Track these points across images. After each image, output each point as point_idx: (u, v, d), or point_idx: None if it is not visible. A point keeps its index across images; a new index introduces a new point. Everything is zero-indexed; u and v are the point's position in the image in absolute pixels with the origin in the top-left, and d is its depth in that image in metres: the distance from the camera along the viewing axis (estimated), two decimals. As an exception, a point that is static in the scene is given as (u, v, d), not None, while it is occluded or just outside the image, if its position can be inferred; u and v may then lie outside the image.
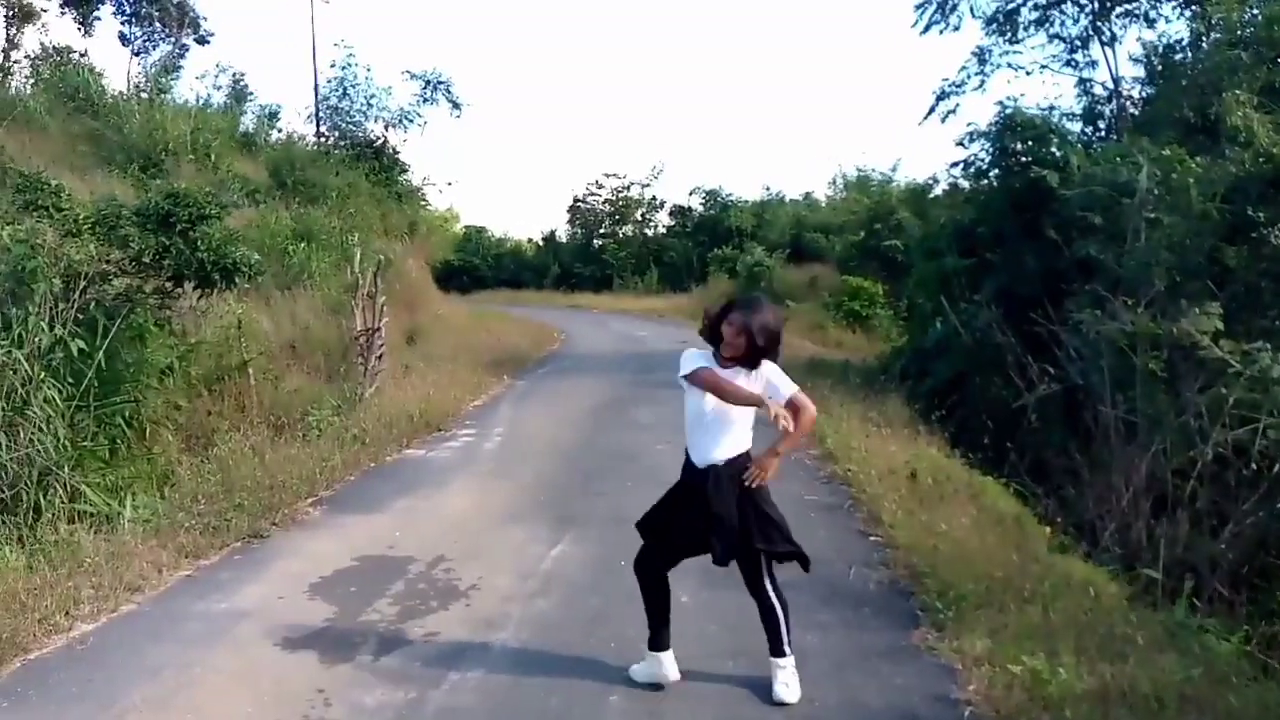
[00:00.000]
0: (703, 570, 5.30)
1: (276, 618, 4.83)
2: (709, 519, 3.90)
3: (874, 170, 33.80)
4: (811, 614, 4.73)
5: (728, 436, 3.93)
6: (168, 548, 5.77)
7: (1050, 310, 10.99)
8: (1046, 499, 8.84)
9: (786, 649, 3.94)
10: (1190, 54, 13.99)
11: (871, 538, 6.13)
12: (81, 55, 23.94)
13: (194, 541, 5.91)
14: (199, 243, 10.70)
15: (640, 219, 43.13)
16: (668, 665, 4.08)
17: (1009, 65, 16.05)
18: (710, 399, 3.92)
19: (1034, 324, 11.58)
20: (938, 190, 22.89)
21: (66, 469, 7.57)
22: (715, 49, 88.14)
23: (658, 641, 4.09)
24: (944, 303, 12.65)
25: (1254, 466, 8.54)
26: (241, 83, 27.92)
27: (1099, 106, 15.57)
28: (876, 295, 23.77)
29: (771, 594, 4.00)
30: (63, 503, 7.08)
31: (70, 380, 8.54)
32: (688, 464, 4.06)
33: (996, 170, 13.28)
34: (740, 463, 3.94)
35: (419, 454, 9.14)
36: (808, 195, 40.31)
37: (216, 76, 27.69)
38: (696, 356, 3.98)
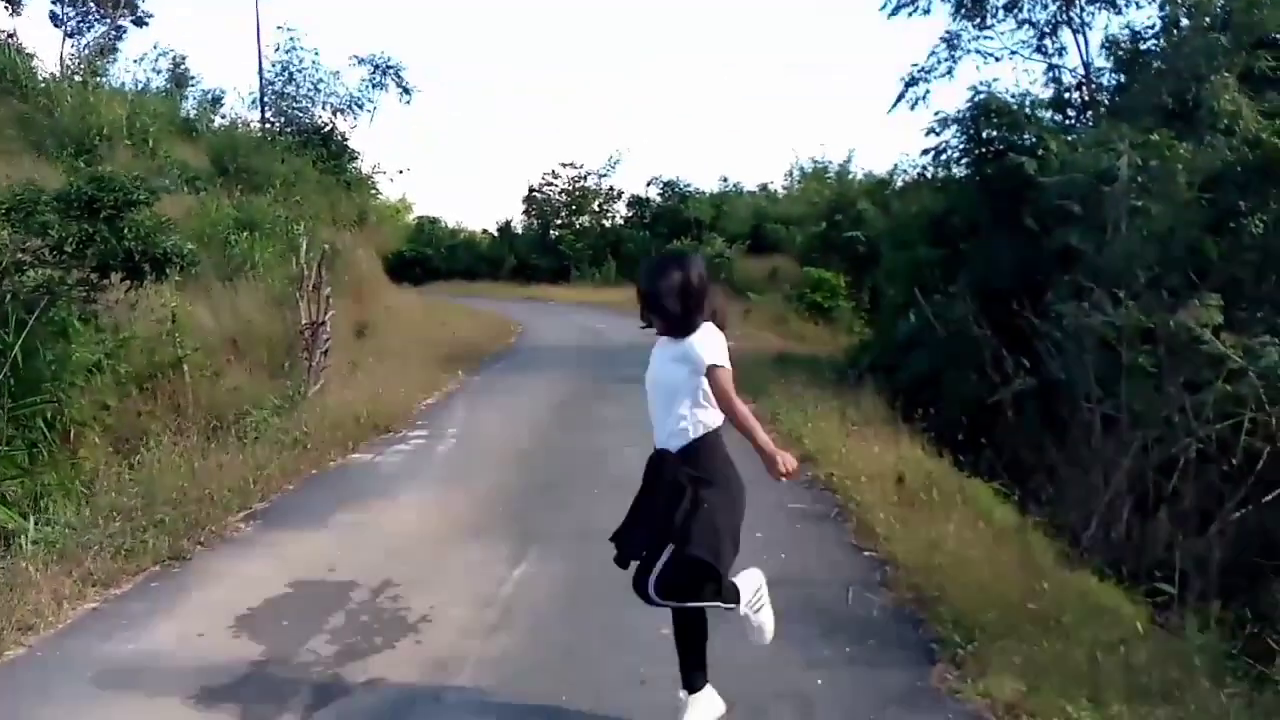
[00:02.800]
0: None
1: (193, 661, 4.15)
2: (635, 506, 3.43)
3: (830, 162, 33.64)
4: (811, 648, 4.17)
5: (671, 415, 3.34)
6: (73, 574, 5.04)
7: (1027, 302, 10.62)
8: (1026, 499, 8.47)
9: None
10: (1161, 41, 13.72)
11: (866, 553, 5.59)
12: (9, 36, 22.73)
13: (104, 566, 5.18)
14: (125, 230, 9.92)
15: (597, 209, 42.40)
16: (714, 701, 3.47)
17: (978, 52, 15.66)
18: (656, 369, 3.41)
19: (1010, 317, 11.23)
20: (899, 181, 22.68)
21: (-26, 476, 6.84)
22: (671, 37, 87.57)
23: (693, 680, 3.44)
24: (917, 295, 12.21)
25: (1234, 462, 8.26)
26: (182, 66, 26.86)
27: (1068, 94, 15.25)
28: (838, 287, 23.45)
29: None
30: (-32, 514, 6.35)
31: (-19, 380, 7.80)
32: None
33: (969, 158, 12.87)
34: (692, 451, 3.31)
35: (365, 459, 8.44)
36: (764, 187, 40.08)
37: (156, 60, 26.56)
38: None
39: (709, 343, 3.29)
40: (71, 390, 9.22)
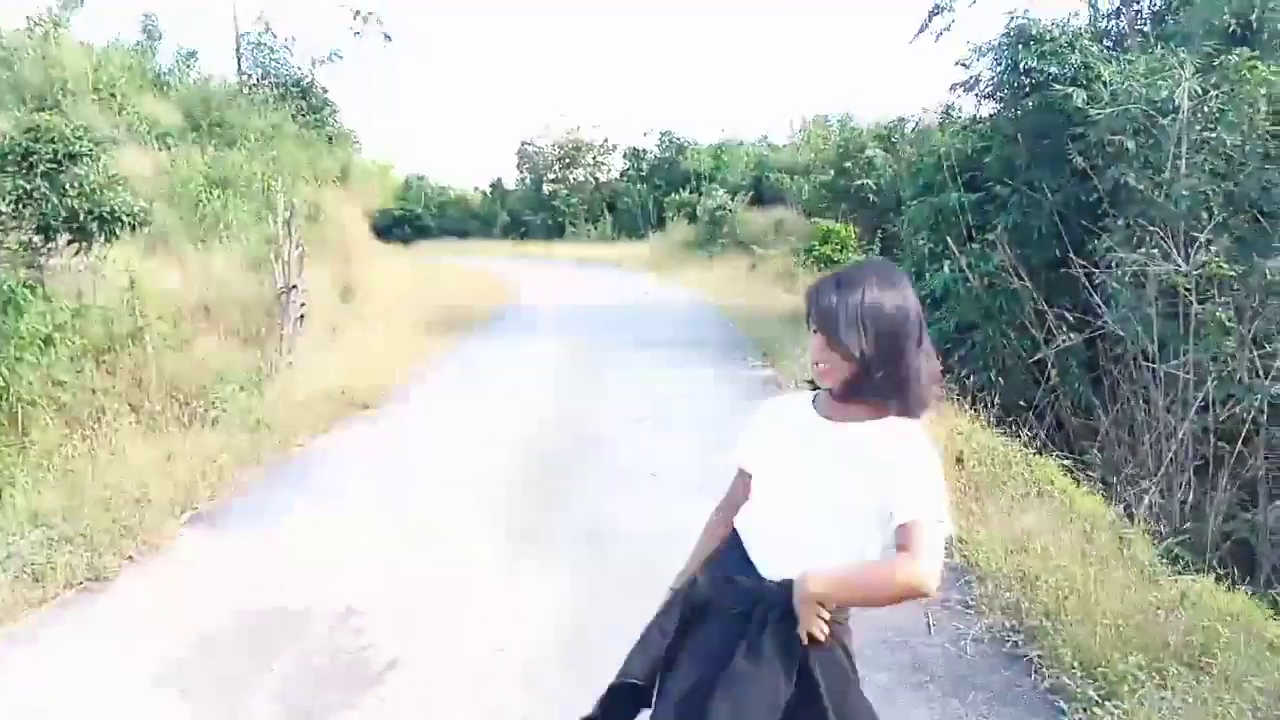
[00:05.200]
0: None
1: (88, 736, 3.19)
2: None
3: (832, 115, 32.39)
4: (897, 704, 3.20)
5: (839, 538, 1.93)
6: (-45, 609, 4.08)
7: (1071, 250, 9.64)
8: (1079, 469, 7.60)
9: None
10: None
11: (938, 560, 4.59)
12: (-31, -10, 21.41)
13: (1, 594, 4.21)
14: (68, 186, 8.88)
15: (592, 163, 41.18)
16: None
17: (1009, -26, 14.28)
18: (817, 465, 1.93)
19: (1053, 267, 10.26)
20: (912, 124, 21.51)
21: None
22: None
23: None
24: (949, 244, 11.13)
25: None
26: (152, 21, 25.47)
27: (1104, 22, 14.00)
28: (849, 239, 22.25)
29: None
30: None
31: (-91, 358, 6.84)
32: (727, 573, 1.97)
33: (1005, 91, 11.69)
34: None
35: (337, 441, 7.42)
36: (765, 138, 38.79)
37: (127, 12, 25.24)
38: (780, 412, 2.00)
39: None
40: (20, 366, 8.27)
